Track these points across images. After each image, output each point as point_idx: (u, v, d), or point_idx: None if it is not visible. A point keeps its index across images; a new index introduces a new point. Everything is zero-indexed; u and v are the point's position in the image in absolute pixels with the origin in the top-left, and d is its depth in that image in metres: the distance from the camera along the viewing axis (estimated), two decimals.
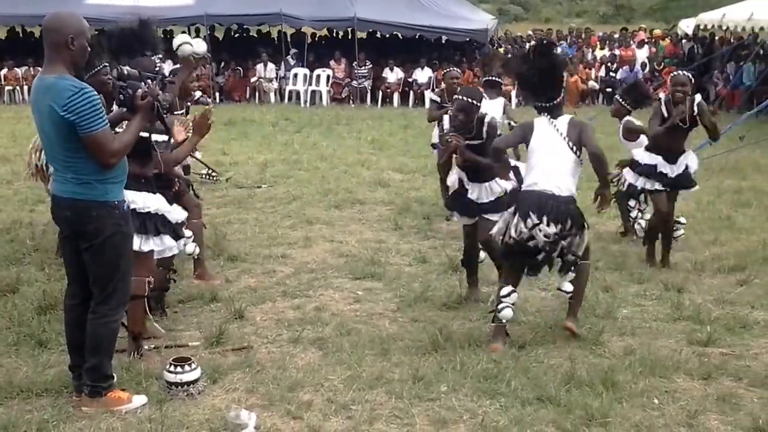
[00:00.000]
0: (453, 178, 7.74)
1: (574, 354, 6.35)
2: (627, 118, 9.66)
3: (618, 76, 25.00)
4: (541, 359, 6.27)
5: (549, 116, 6.59)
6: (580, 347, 6.52)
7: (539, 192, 6.40)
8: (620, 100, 9.76)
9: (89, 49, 5.19)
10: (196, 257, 7.83)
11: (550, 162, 6.45)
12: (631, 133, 9.54)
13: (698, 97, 8.44)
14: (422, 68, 24.81)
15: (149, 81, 5.79)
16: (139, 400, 5.44)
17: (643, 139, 9.21)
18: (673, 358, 6.29)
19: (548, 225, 6.31)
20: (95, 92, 5.02)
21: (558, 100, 6.62)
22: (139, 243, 5.93)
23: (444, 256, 8.85)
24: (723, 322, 7.05)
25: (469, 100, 7.25)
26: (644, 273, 8.45)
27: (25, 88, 24.04)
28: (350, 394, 5.63)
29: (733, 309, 7.44)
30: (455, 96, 7.56)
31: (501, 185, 7.35)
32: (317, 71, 24.94)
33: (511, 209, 6.57)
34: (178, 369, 5.58)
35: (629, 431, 5.22)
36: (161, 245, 6.23)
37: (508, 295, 6.55)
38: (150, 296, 6.35)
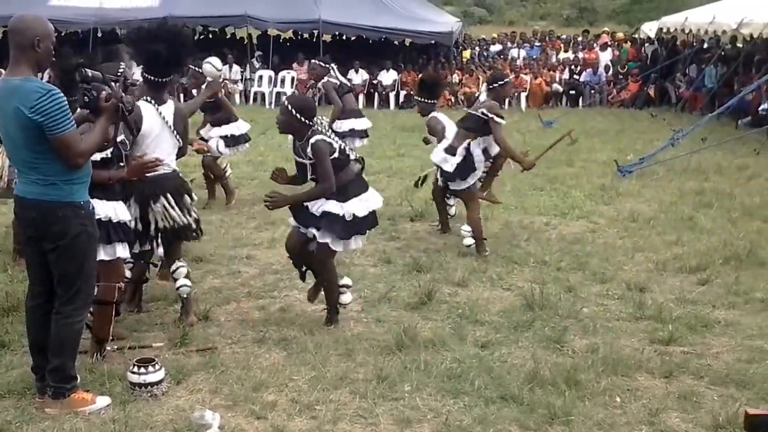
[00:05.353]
0: None
1: (537, 353, 6.39)
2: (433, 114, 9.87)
3: (581, 79, 25.24)
4: (504, 358, 6.31)
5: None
6: (544, 347, 6.57)
7: None
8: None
9: (54, 51, 5.19)
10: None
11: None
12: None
13: None
14: (387, 70, 24.83)
15: (112, 83, 5.78)
16: (103, 401, 5.42)
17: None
18: (635, 356, 6.35)
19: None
20: (62, 94, 5.03)
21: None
22: (106, 250, 5.91)
23: (408, 257, 8.89)
24: (684, 321, 7.11)
25: None
26: (606, 273, 8.51)
27: None
28: (314, 394, 5.64)
29: (694, 308, 7.51)
30: None
31: None
32: (282, 73, 24.87)
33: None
34: (142, 370, 5.57)
35: (591, 429, 5.26)
36: (120, 253, 6.17)
37: None
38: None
